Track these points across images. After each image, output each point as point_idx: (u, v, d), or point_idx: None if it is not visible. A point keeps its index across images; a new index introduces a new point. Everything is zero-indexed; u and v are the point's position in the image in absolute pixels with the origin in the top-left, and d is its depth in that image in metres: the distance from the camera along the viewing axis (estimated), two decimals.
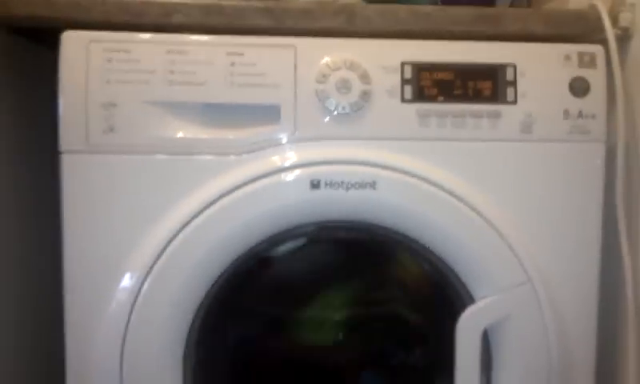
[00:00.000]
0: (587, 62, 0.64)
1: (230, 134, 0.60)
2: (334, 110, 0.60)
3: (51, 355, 0.70)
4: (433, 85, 0.61)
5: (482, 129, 0.61)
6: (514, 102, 0.62)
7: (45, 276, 0.75)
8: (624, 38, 0.68)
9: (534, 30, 0.65)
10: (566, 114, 0.62)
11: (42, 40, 0.71)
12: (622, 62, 0.66)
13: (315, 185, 0.58)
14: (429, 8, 0.65)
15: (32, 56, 0.74)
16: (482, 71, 0.62)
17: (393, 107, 0.61)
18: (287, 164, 0.59)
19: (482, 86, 0.62)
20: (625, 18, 0.68)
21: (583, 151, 0.63)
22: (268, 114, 0.60)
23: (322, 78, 0.60)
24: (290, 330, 0.72)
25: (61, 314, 0.61)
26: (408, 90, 0.61)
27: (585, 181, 0.63)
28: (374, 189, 0.59)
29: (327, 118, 0.60)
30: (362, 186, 0.59)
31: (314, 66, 0.60)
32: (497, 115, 0.62)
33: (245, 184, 0.58)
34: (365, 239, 0.65)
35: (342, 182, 0.59)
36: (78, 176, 0.59)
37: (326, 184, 0.58)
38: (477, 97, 0.62)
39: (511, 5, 0.86)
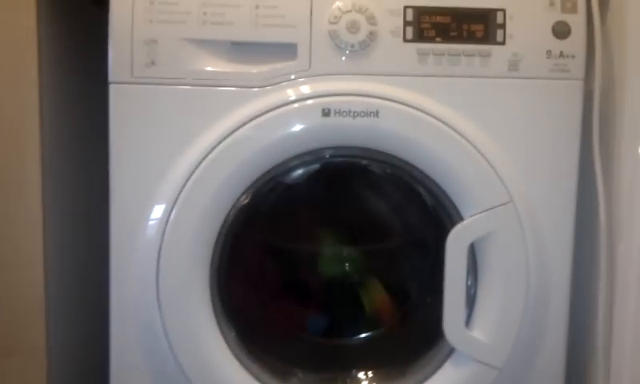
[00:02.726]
0: (569, 7, 0.72)
1: (252, 69, 0.70)
2: (344, 48, 0.69)
3: (98, 267, 0.81)
4: (431, 27, 0.70)
5: (474, 66, 0.70)
6: (503, 42, 0.70)
7: (94, 202, 0.85)
8: None
9: None
10: (549, 53, 0.71)
11: None
12: (603, 9, 0.74)
13: (326, 113, 0.68)
14: None
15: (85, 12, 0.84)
16: (475, 15, 0.70)
17: (396, 46, 0.70)
18: (302, 95, 0.69)
19: (474, 28, 0.70)
20: None
21: (564, 88, 0.71)
22: (286, 51, 0.69)
23: (334, 19, 0.69)
24: (302, 250, 0.83)
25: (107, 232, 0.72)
26: (409, 31, 0.70)
27: (565, 114, 0.72)
28: (377, 117, 0.68)
29: (338, 56, 0.69)
30: (366, 114, 0.68)
31: (328, 9, 0.69)
32: (487, 54, 0.70)
33: (265, 112, 0.68)
34: (369, 166, 0.75)
35: (350, 111, 0.68)
36: (124, 104, 0.70)
37: (336, 112, 0.68)
38: (470, 38, 0.70)
39: None
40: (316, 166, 0.74)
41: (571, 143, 0.72)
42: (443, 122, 0.69)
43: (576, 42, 0.71)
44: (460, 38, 0.70)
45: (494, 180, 0.69)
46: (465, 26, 0.70)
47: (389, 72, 0.70)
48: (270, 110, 0.68)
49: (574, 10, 0.72)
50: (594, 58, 0.73)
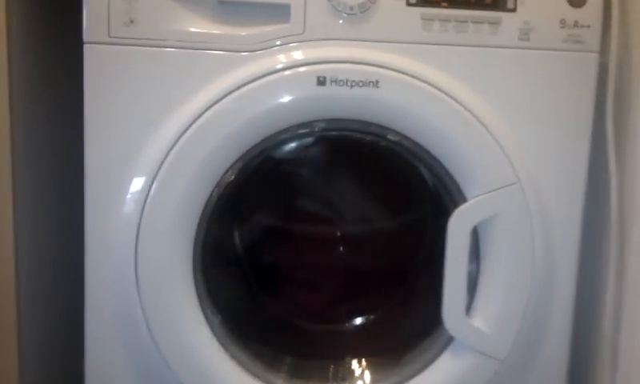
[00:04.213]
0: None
1: (242, 31, 0.64)
2: (341, 11, 0.63)
3: (71, 247, 0.76)
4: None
5: (482, 34, 0.65)
6: (514, 9, 0.65)
7: (66, 170, 0.80)
8: None
9: None
10: (563, 23, 0.65)
11: None
12: None
13: (321, 81, 0.62)
14: None
15: None
16: None
17: (398, 10, 0.64)
18: (295, 61, 0.63)
19: None
20: None
21: (577, 60, 0.66)
22: (279, 13, 0.63)
23: None
24: (292, 228, 0.78)
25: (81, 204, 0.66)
26: None
27: (578, 89, 0.67)
28: (377, 87, 0.63)
29: (335, 19, 0.64)
30: (365, 84, 0.62)
31: None
32: (497, 22, 0.65)
33: (254, 79, 0.62)
34: (367, 141, 0.70)
35: (347, 80, 0.62)
36: (100, 66, 0.63)
37: (332, 81, 0.62)
38: (478, 3, 0.64)
39: None
40: (309, 140, 0.69)
41: (583, 121, 0.67)
42: (448, 95, 0.63)
43: (592, 11, 0.65)
44: (468, 4, 0.64)
45: (500, 159, 0.64)
46: None
47: (390, 38, 0.64)
48: (260, 77, 0.62)
49: None
50: (610, 29, 0.67)
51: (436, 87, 0.63)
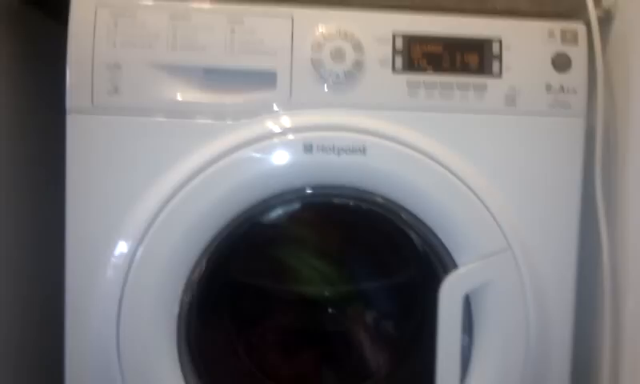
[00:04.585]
0: (569, 38, 0.67)
1: (227, 99, 0.63)
2: (327, 78, 0.63)
3: (52, 317, 0.73)
4: (422, 56, 0.64)
5: (468, 100, 0.65)
6: (499, 75, 0.65)
7: (49, 239, 0.78)
8: (606, 19, 0.71)
9: (520, 6, 0.68)
10: (548, 87, 0.66)
11: (52, 11, 0.74)
12: (604, 43, 0.69)
13: (308, 148, 0.61)
14: None
15: (42, 27, 0.77)
16: (469, 44, 0.65)
17: (384, 77, 0.64)
18: (282, 128, 0.62)
19: (469, 58, 0.65)
20: (607, 1, 0.71)
21: (564, 125, 0.66)
22: (265, 80, 0.63)
23: (317, 46, 0.63)
24: (281, 292, 0.76)
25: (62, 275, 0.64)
26: (399, 60, 0.64)
27: (565, 154, 0.66)
28: (364, 154, 0.62)
29: (321, 86, 0.63)
30: (352, 151, 0.62)
31: (310, 35, 0.63)
32: (483, 87, 0.65)
33: (240, 147, 0.61)
34: (355, 206, 0.69)
35: (334, 147, 0.62)
36: (83, 136, 0.62)
37: (319, 148, 0.61)
38: (464, 69, 0.65)
39: None
40: (296, 205, 0.68)
41: (572, 185, 0.67)
42: (435, 161, 0.62)
43: (577, 75, 0.66)
44: (453, 69, 0.65)
45: (490, 225, 0.63)
46: (458, 56, 0.65)
47: (376, 105, 0.64)
48: (246, 145, 0.61)
49: (574, 41, 0.67)
50: (595, 92, 0.68)
51: (424, 153, 0.63)
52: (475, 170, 0.64)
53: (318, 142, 0.61)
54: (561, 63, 0.66)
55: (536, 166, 0.66)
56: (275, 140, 0.61)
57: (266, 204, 0.63)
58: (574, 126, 0.66)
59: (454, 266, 0.64)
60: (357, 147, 0.62)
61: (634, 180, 0.66)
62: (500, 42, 0.65)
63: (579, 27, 0.67)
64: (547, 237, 0.66)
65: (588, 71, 0.67)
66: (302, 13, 0.64)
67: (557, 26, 0.66)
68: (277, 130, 0.62)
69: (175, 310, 0.64)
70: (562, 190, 0.66)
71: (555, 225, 0.66)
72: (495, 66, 0.65)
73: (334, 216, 0.72)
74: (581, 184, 0.67)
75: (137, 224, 0.62)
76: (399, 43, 0.64)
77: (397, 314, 0.77)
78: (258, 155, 0.61)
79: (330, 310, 0.78)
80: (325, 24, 0.64)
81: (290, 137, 0.62)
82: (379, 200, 0.64)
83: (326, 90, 0.63)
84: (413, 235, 0.68)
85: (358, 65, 0.63)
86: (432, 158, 0.62)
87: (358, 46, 0.63)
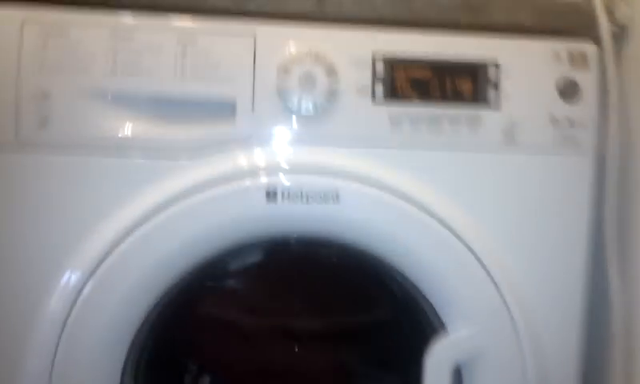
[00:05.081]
0: (578, 61, 0.58)
1: (178, 134, 0.53)
2: (296, 110, 0.53)
3: None
4: (407, 83, 0.55)
5: (460, 136, 0.55)
6: (497, 105, 0.56)
7: None
8: (620, 35, 0.62)
9: (522, 21, 0.58)
10: (554, 121, 0.56)
11: None
12: (618, 65, 0.60)
13: (272, 196, 0.52)
14: None
15: None
16: (462, 68, 0.55)
17: (362, 109, 0.54)
18: (240, 171, 0.53)
19: (461, 85, 0.56)
20: (622, 14, 0.62)
21: (571, 165, 0.57)
22: (222, 111, 0.53)
23: (284, 71, 0.53)
24: (242, 344, 0.67)
25: None
26: (380, 88, 0.55)
27: (572, 199, 0.57)
28: (338, 202, 0.53)
29: (288, 119, 0.54)
30: (324, 198, 0.52)
31: (276, 57, 0.54)
32: (477, 121, 0.56)
33: (192, 194, 0.52)
34: (328, 256, 0.60)
35: (302, 194, 0.52)
36: (5, 176, 0.53)
37: (284, 195, 0.52)
38: (455, 98, 0.55)
39: None
40: (259, 257, 0.59)
41: (581, 236, 0.58)
42: (422, 209, 0.53)
43: (587, 105, 0.57)
44: (443, 99, 0.55)
45: (486, 284, 0.54)
46: (449, 83, 0.56)
47: (353, 141, 0.54)
48: (198, 191, 0.52)
49: (584, 64, 0.58)
50: (608, 125, 0.59)
51: (408, 200, 0.54)
52: (468, 219, 0.55)
53: (284, 188, 0.52)
54: (569, 91, 0.57)
55: (538, 213, 0.57)
56: (232, 185, 0.52)
57: (222, 258, 0.54)
58: (582, 167, 0.57)
59: (442, 325, 0.56)
60: (329, 194, 0.52)
61: None
62: (497, 66, 0.56)
63: (589, 48, 0.58)
64: (551, 296, 0.57)
65: (600, 99, 0.58)
66: (266, 31, 0.54)
67: (563, 46, 0.57)
68: (234, 172, 0.52)
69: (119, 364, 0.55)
70: (569, 242, 0.57)
71: (560, 283, 0.57)
72: (492, 94, 0.56)
73: (302, 270, 0.63)
74: (588, 233, 0.58)
75: (66, 292, 0.52)
76: (380, 67, 0.55)
77: (376, 375, 0.69)
78: (211, 205, 0.52)
79: (299, 367, 0.69)
80: (293, 44, 0.54)
81: (250, 182, 0.52)
82: (358, 254, 0.55)
83: (294, 125, 0.54)
84: (397, 291, 0.60)
85: (332, 93, 0.54)
86: (418, 205, 0.53)
87: (331, 71, 0.54)
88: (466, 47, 0.56)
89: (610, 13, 0.61)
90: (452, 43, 0.56)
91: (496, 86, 0.56)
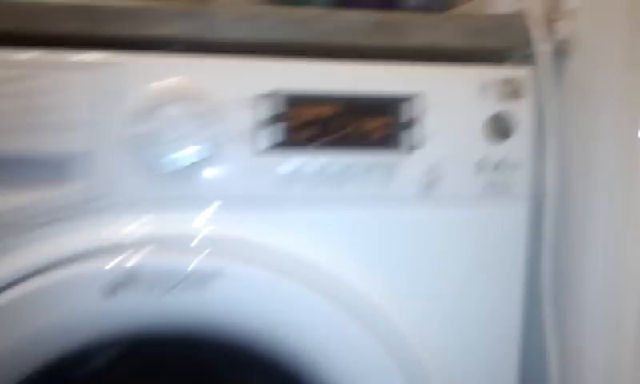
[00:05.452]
0: (510, 92, 0.48)
1: None
2: (158, 165, 0.41)
3: None
4: (305, 125, 0.44)
5: (370, 187, 0.45)
6: (414, 149, 0.46)
7: None
8: (561, 54, 0.53)
9: (445, 42, 0.49)
10: (481, 165, 0.47)
11: None
12: (558, 86, 0.51)
13: (118, 286, 0.40)
14: (310, 12, 0.47)
15: None
16: (373, 105, 0.45)
17: (245, 160, 0.43)
18: (77, 251, 0.40)
19: (372, 125, 0.45)
20: (563, 28, 0.53)
21: (502, 213, 0.48)
22: (57, 169, 0.41)
23: (144, 114, 0.41)
24: None
25: None
26: (269, 133, 0.43)
27: (504, 255, 0.48)
28: (211, 288, 0.41)
29: (147, 177, 0.42)
30: (191, 283, 0.41)
31: (133, 96, 0.41)
32: (391, 167, 0.45)
33: (14, 283, 0.39)
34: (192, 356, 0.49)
35: (160, 280, 0.40)
36: None
37: (135, 284, 0.40)
38: (365, 142, 0.45)
39: (424, 9, 0.69)
40: (109, 359, 0.47)
41: (514, 299, 0.49)
42: (320, 289, 0.43)
43: (521, 143, 0.47)
44: (350, 143, 0.44)
45: (401, 376, 0.45)
46: (356, 123, 0.45)
47: (233, 204, 0.43)
48: (21, 279, 0.39)
49: (517, 94, 0.48)
50: (545, 163, 0.50)
51: (300, 279, 0.43)
52: (378, 290, 0.45)
53: (135, 273, 0.40)
54: (499, 128, 0.47)
55: (465, 276, 0.47)
56: (65, 273, 0.39)
57: (57, 363, 0.42)
58: (514, 214, 0.48)
59: None
60: (199, 277, 0.41)
61: (593, 279, 0.49)
62: (414, 101, 0.45)
63: (522, 73, 0.48)
64: (481, 371, 0.49)
65: (536, 132, 0.49)
66: (121, 60, 0.42)
67: (493, 74, 0.47)
68: (69, 254, 0.40)
69: None
70: (501, 309, 0.48)
71: (491, 354, 0.49)
72: (408, 135, 0.46)
73: (160, 372, 0.51)
74: (522, 293, 0.49)
75: None
76: (270, 104, 0.44)
77: None
78: (39, 299, 0.39)
79: None
80: (156, 77, 0.42)
81: (90, 267, 0.40)
82: (234, 349, 0.44)
83: (156, 184, 0.42)
84: None
85: (206, 142, 0.42)
86: (313, 284, 0.42)
87: (205, 113, 0.42)
88: (378, 78, 0.45)
89: (549, 27, 0.52)
90: (361, 73, 0.45)
91: (413, 126, 0.46)
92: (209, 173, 0.42)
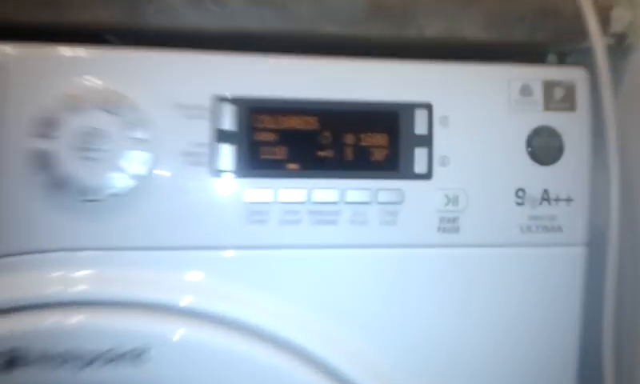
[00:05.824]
0: (560, 99, 0.36)
1: None
2: (67, 196, 0.30)
3: None
4: (278, 140, 0.33)
5: (368, 225, 0.33)
6: (428, 173, 0.33)
7: None
8: (619, 50, 0.41)
9: (467, 32, 0.37)
10: (521, 195, 0.35)
11: None
12: (615, 90, 0.39)
13: (10, 362, 0.29)
14: None
15: None
16: (372, 116, 0.33)
17: (195, 186, 0.31)
18: None
19: (370, 142, 0.33)
20: (620, 19, 0.41)
21: (550, 258, 0.35)
22: None
23: (47, 125, 0.30)
24: None
25: None
26: (227, 151, 0.32)
27: (553, 308, 0.35)
28: (146, 361, 0.29)
29: (52, 212, 0.30)
30: (113, 358, 0.29)
31: (34, 101, 0.30)
32: (396, 199, 0.33)
33: None
34: None
35: (70, 354, 0.28)
36: None
37: (36, 360, 0.28)
38: (361, 164, 0.33)
39: None
40: None
41: (566, 364, 0.36)
42: (305, 355, 0.31)
43: (572, 167, 0.35)
44: (340, 165, 0.33)
45: None
46: (348, 139, 0.33)
47: (174, 245, 0.31)
48: None
49: (568, 101, 0.36)
50: (610, 196, 0.38)
51: (263, 356, 0.31)
52: (374, 349, 0.33)
53: (35, 347, 0.28)
54: (544, 146, 0.35)
55: (504, 333, 0.35)
56: None
57: None
58: (566, 259, 0.35)
59: None
60: (130, 350, 0.29)
61: None
62: (429, 109, 0.34)
63: (577, 76, 0.36)
64: None
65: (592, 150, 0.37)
66: (22, 53, 0.30)
67: (536, 74, 0.35)
68: None
69: None
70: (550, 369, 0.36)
71: None
72: (420, 156, 0.33)
73: None
74: (577, 355, 0.37)
75: None
76: (228, 114, 0.32)
77: None
78: None
79: None
80: (70, 75, 0.30)
81: None
82: None
83: (62, 222, 0.30)
84: None
85: (139, 163, 0.31)
86: (284, 367, 0.30)
87: (138, 124, 0.30)
88: (377, 80, 0.33)
89: (604, 18, 0.40)
90: (354, 73, 0.33)
91: (427, 143, 0.34)
92: (142, 203, 0.30)
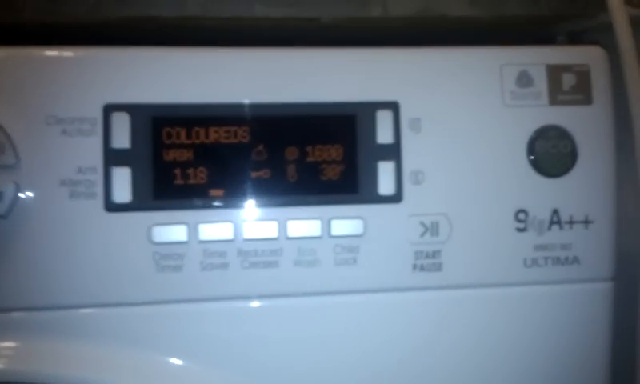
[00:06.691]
0: (572, 88, 0.28)
1: None
2: None
3: None
4: (194, 160, 0.25)
5: (318, 266, 0.25)
6: (397, 195, 0.25)
7: None
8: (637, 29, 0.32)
9: (447, 9, 0.28)
10: (523, 218, 0.27)
11: None
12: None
13: None
14: None
15: None
16: (319, 122, 0.25)
17: (82, 224, 0.24)
18: None
19: (318, 156, 0.26)
20: None
21: (565, 303, 0.27)
22: None
23: None
24: None
25: None
26: (125, 176, 0.24)
27: (574, 351, 0.27)
28: None
29: None
30: None
31: None
32: (356, 231, 0.25)
33: None
34: None
35: None
36: None
37: None
38: (307, 186, 0.25)
39: None
40: None
41: None
42: None
43: (591, 175, 0.27)
44: (281, 186, 0.25)
45: None
46: (290, 153, 0.26)
47: (60, 306, 0.24)
48: None
49: (582, 92, 0.28)
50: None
51: None
52: None
53: None
54: (554, 150, 0.27)
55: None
56: None
57: None
58: (588, 303, 0.27)
59: None
60: None
61: None
62: (395, 110, 0.26)
63: (592, 54, 0.28)
64: None
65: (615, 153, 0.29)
66: None
67: (541, 57, 0.27)
68: None
69: None
70: None
71: None
72: (385, 172, 0.26)
73: None
74: None
75: None
76: (124, 127, 0.24)
77: None
78: None
79: None
80: None
81: None
82: None
83: None
84: None
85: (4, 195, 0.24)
86: None
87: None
88: (329, 74, 0.25)
89: None
90: (299, 66, 0.25)
91: (394, 153, 0.26)
92: (12, 247, 0.23)
